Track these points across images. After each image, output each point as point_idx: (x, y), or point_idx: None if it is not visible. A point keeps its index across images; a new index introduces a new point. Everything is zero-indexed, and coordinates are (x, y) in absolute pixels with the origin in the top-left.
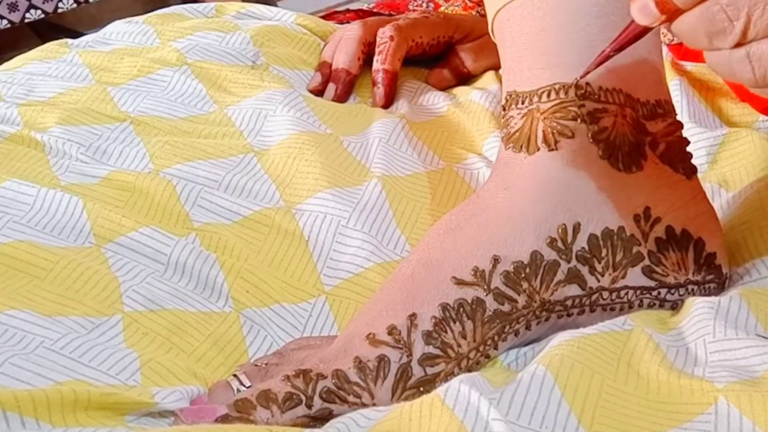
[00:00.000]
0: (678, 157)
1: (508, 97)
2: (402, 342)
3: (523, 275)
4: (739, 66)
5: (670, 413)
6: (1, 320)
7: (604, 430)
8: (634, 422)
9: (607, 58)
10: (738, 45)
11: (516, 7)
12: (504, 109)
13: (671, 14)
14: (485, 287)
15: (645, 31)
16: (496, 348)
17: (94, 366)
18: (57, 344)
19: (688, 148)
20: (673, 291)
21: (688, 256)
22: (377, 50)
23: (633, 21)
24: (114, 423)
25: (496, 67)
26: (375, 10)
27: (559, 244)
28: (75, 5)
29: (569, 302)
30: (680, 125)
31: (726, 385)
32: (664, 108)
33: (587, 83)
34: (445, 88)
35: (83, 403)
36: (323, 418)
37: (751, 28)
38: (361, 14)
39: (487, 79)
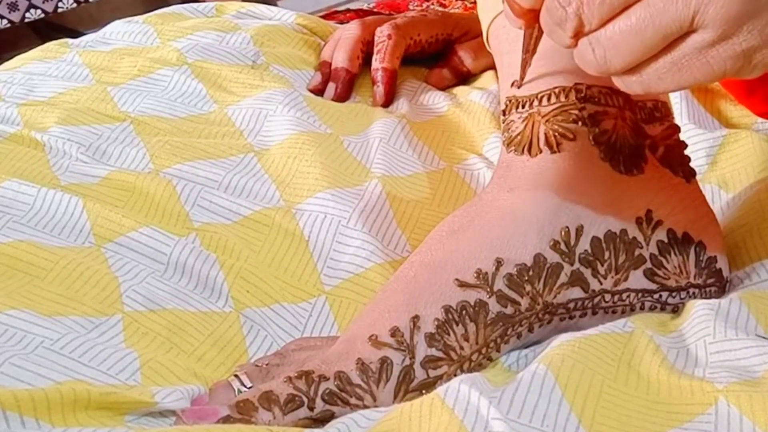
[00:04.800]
0: (677, 160)
1: (508, 102)
2: (404, 344)
3: (526, 278)
4: (584, 51)
5: (670, 413)
6: (1, 320)
7: (604, 430)
8: (634, 422)
9: (527, 63)
10: (579, 34)
11: None
12: (504, 114)
13: (528, 16)
14: (488, 289)
15: (540, 33)
16: (498, 350)
17: (94, 366)
18: (57, 344)
19: (687, 151)
20: (674, 294)
21: (689, 260)
22: (375, 49)
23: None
24: (114, 423)
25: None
26: (375, 10)
27: (562, 246)
28: (75, 5)
29: (572, 305)
30: (677, 128)
31: (726, 385)
32: (661, 111)
33: (587, 86)
34: (445, 87)
35: (83, 402)
36: (325, 419)
37: (585, 10)
38: (361, 14)
39: (487, 79)
